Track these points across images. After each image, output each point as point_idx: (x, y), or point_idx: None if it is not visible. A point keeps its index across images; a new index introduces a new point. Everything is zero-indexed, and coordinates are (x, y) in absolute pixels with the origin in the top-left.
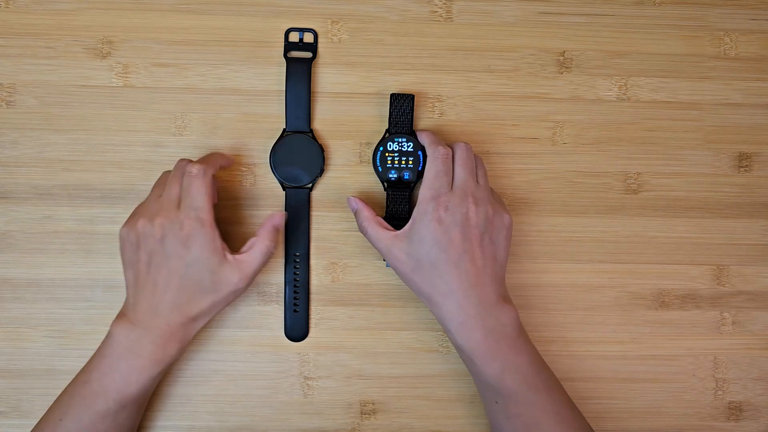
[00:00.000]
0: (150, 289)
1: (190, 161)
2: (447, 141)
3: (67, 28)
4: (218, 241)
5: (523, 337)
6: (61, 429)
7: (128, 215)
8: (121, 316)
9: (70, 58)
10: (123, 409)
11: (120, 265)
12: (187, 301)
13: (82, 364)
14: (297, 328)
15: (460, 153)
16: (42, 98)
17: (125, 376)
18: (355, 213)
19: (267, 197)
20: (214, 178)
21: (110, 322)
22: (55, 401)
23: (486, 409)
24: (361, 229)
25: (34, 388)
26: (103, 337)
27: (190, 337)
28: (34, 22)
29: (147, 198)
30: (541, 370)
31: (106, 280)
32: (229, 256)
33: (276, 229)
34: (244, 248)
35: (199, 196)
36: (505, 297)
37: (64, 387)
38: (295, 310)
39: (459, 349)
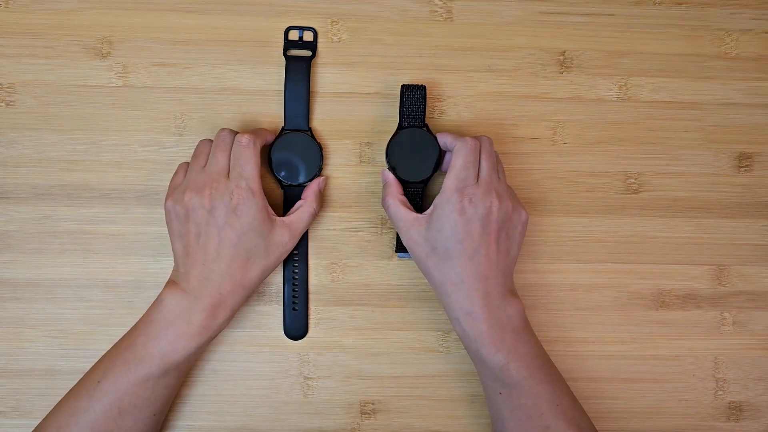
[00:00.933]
0: (201, 259)
1: (234, 131)
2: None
3: (66, 28)
4: (268, 208)
5: (528, 329)
6: (100, 391)
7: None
8: (172, 283)
9: (70, 57)
10: (165, 375)
11: (119, 265)
12: (240, 269)
13: (82, 364)
14: (296, 326)
15: (485, 146)
16: (42, 98)
17: (172, 342)
18: (384, 186)
19: (266, 196)
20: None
21: (110, 322)
22: (95, 364)
23: (488, 402)
24: (384, 204)
25: (34, 388)
26: (102, 337)
27: (239, 305)
28: (34, 22)
29: (190, 170)
30: (544, 362)
31: (105, 280)
32: (278, 220)
33: (320, 192)
34: (291, 211)
35: (249, 165)
36: (512, 291)
37: (64, 386)
38: (294, 308)
39: (465, 337)
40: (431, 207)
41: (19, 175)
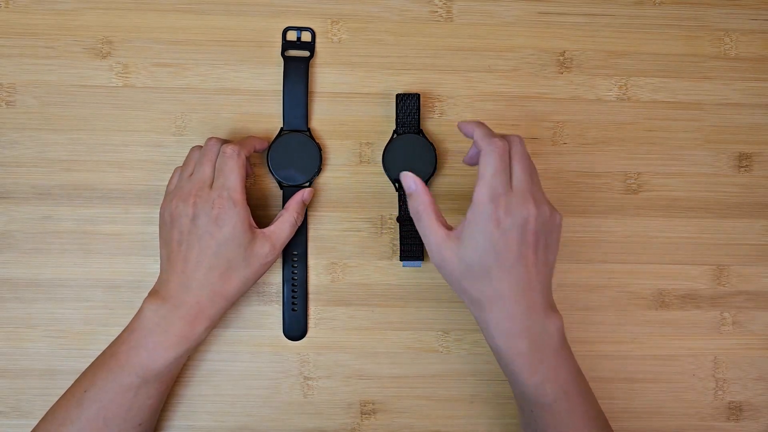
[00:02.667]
0: (181, 267)
1: (222, 141)
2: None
3: (67, 28)
4: (249, 220)
5: (565, 346)
6: (86, 400)
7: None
8: (153, 292)
9: (70, 58)
10: (145, 384)
11: (119, 265)
12: (219, 278)
13: (82, 364)
14: (295, 326)
15: (517, 148)
16: (42, 98)
17: (151, 351)
18: (411, 195)
19: (265, 197)
20: (248, 160)
21: (110, 322)
22: (81, 374)
23: (520, 419)
24: (414, 214)
25: (34, 388)
26: (102, 337)
27: (219, 316)
28: (34, 22)
29: (179, 178)
30: (579, 380)
31: (106, 280)
32: (258, 231)
33: (303, 204)
34: (272, 221)
35: (232, 176)
36: (551, 305)
37: (64, 386)
38: (293, 309)
39: (499, 354)
40: (463, 223)
41: (20, 175)
